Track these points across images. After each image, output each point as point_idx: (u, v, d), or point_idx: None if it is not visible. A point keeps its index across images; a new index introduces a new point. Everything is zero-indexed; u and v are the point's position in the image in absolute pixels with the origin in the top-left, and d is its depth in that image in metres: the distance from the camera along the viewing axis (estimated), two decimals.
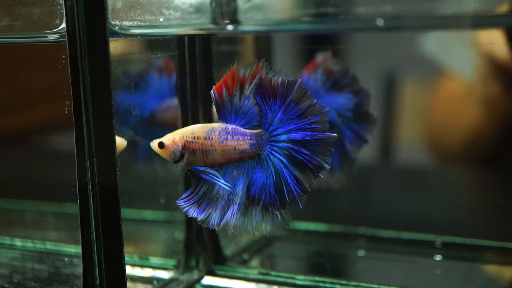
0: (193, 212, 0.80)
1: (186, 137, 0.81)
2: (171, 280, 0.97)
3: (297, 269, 1.07)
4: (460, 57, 1.18)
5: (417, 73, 1.28)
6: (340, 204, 1.22)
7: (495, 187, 1.12)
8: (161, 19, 0.92)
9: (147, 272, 0.99)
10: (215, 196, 0.80)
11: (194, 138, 0.81)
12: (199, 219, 0.80)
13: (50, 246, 1.10)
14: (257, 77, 0.77)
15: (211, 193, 0.80)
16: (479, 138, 1.16)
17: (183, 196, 0.81)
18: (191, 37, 0.96)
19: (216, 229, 0.80)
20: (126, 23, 0.86)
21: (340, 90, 0.96)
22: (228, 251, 1.06)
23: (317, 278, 0.98)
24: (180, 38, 0.95)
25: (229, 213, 0.80)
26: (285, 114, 0.77)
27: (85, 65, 0.79)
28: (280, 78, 0.76)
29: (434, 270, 1.07)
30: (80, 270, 1.04)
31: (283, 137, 0.78)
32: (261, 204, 0.79)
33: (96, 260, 0.84)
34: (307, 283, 0.98)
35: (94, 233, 0.83)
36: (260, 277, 1.01)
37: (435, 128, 1.26)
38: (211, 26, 0.98)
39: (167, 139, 0.82)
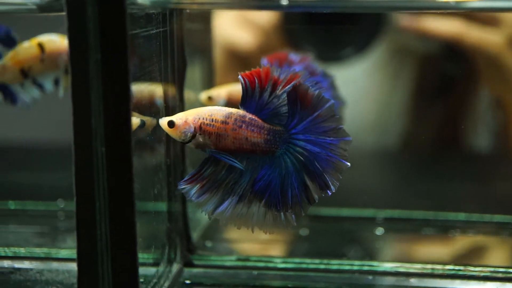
0: (192, 194, 0.76)
1: (203, 119, 0.76)
2: (160, 276, 0.89)
3: (266, 252, 1.05)
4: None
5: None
6: None
7: None
8: None
9: None
10: (219, 180, 0.76)
11: (212, 121, 0.76)
12: (196, 201, 0.76)
13: None
14: (292, 83, 0.74)
15: (215, 177, 0.76)
16: None
17: (186, 178, 0.76)
18: (170, 13, 0.89)
19: (208, 216, 0.76)
20: None
21: None
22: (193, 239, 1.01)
23: (296, 260, 0.98)
24: (163, 13, 0.87)
25: (226, 203, 0.76)
26: (310, 125, 0.75)
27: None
28: (317, 91, 0.74)
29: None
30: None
31: (301, 143, 0.76)
32: (263, 201, 0.76)
33: (100, 266, 0.74)
34: (289, 265, 0.98)
35: (99, 233, 0.74)
36: (239, 263, 0.98)
37: None
38: None
39: (178, 118, 0.77)
